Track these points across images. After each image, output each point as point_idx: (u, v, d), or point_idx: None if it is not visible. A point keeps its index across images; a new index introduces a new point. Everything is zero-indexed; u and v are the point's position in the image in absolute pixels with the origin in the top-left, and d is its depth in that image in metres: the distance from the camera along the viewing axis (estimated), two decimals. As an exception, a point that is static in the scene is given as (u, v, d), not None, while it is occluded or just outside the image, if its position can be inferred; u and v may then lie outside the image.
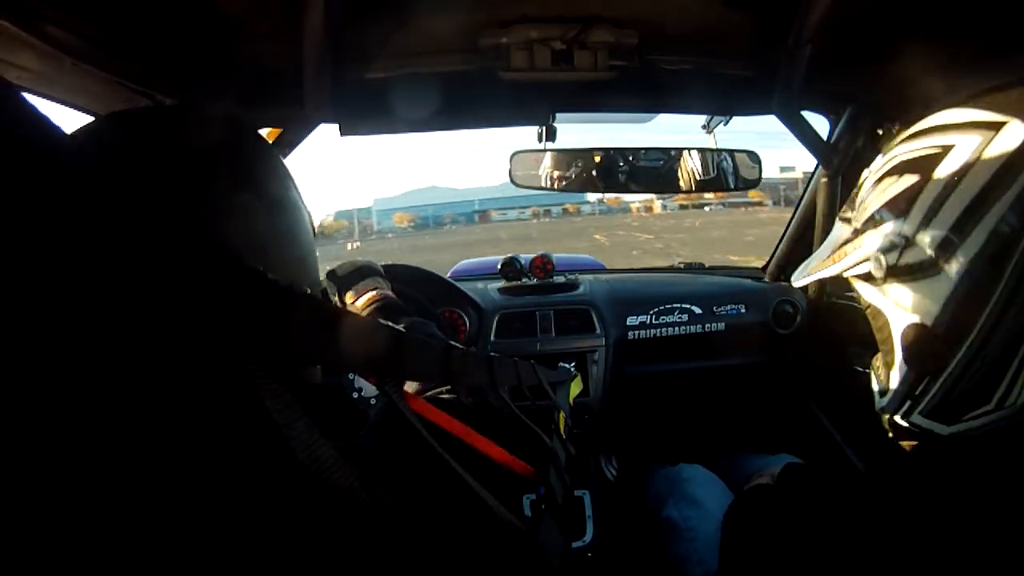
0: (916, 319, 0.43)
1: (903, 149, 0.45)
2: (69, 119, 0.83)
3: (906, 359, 0.45)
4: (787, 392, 1.58)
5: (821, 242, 1.34)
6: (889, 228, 0.43)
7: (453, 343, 0.40)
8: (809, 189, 1.43)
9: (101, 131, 0.38)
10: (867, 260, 0.46)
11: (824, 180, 1.30)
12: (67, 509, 0.22)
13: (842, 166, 1.26)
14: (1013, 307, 0.37)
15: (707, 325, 1.48)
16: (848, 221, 0.50)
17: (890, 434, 0.50)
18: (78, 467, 0.22)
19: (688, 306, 1.49)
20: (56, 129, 0.20)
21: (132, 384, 0.22)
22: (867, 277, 0.47)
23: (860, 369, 1.30)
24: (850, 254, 0.48)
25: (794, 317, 1.52)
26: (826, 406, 1.48)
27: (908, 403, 0.46)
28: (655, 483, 1.10)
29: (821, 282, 1.43)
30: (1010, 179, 0.37)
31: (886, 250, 0.43)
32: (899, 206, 0.43)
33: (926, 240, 0.41)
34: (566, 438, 0.65)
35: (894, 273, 0.43)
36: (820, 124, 1.23)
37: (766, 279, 1.67)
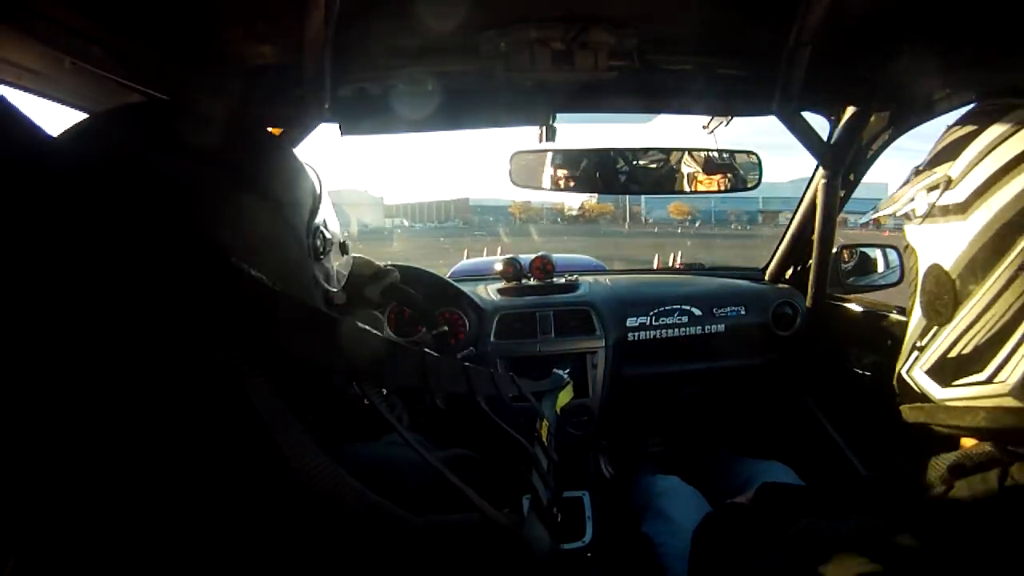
0: (937, 260, 0.43)
1: (983, 103, 0.45)
2: (69, 119, 0.83)
3: (921, 302, 0.45)
4: (787, 394, 1.58)
5: (821, 242, 1.35)
6: (939, 169, 0.44)
7: (428, 350, 0.41)
8: (809, 189, 1.43)
9: (97, 128, 0.38)
10: (915, 199, 0.47)
11: (824, 181, 1.30)
12: (58, 501, 0.22)
13: (842, 167, 1.26)
14: (1022, 276, 0.37)
15: (707, 326, 1.48)
16: (917, 168, 0.50)
17: (897, 392, 0.50)
18: (68, 459, 0.22)
19: (688, 307, 1.49)
20: (42, 131, 0.20)
21: (119, 379, 0.22)
22: (911, 216, 0.48)
23: (860, 371, 1.30)
24: (906, 193, 0.49)
25: (794, 319, 1.52)
26: (826, 408, 1.48)
27: (915, 354, 0.46)
28: (635, 494, 1.11)
29: (821, 283, 1.43)
30: None
31: (930, 188, 0.45)
32: (953, 150, 0.44)
33: (965, 184, 0.41)
34: (549, 445, 0.66)
35: (932, 213, 0.44)
36: (820, 124, 1.23)
37: (766, 280, 1.67)
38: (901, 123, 1.16)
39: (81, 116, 0.84)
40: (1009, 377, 0.38)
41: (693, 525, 0.80)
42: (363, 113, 1.11)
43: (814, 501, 0.55)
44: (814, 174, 1.39)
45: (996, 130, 0.41)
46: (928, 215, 0.45)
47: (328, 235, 0.51)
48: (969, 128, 0.43)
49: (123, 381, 0.22)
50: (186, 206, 0.34)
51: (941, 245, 0.43)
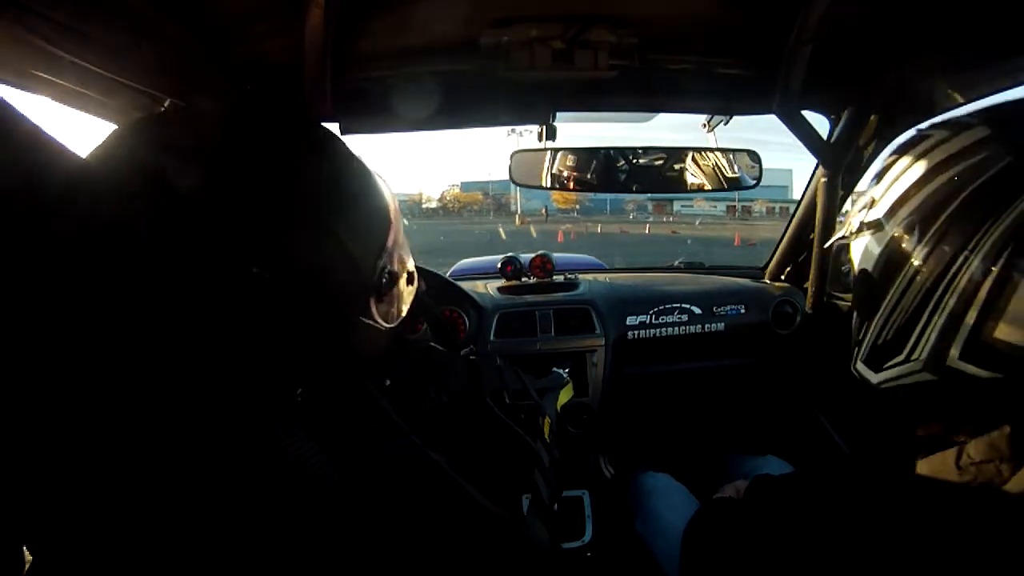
0: (864, 266, 0.51)
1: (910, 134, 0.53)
2: (69, 119, 0.83)
3: (855, 303, 0.53)
4: (786, 393, 1.58)
5: (821, 242, 1.35)
6: (868, 192, 0.53)
7: (434, 345, 0.41)
8: (809, 189, 1.43)
9: (124, 144, 0.37)
10: (853, 221, 0.55)
11: (824, 180, 1.30)
12: (74, 498, 0.23)
13: (842, 166, 1.26)
14: (925, 267, 0.44)
15: (707, 325, 1.49)
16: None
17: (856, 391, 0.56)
18: (84, 459, 0.22)
19: (688, 306, 1.49)
20: (70, 152, 0.20)
21: (135, 379, 0.23)
22: (850, 234, 0.56)
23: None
24: (851, 216, 0.57)
25: (794, 317, 1.52)
26: (825, 406, 1.48)
27: (856, 350, 0.54)
28: (630, 492, 1.12)
29: (821, 282, 1.43)
30: (943, 169, 0.45)
31: (860, 208, 0.54)
32: (878, 176, 0.52)
33: (882, 203, 0.50)
34: (551, 442, 0.66)
35: (861, 229, 0.52)
36: (820, 124, 1.23)
37: (766, 279, 1.68)
38: (901, 123, 1.16)
39: (81, 116, 0.84)
40: (921, 353, 0.44)
41: (683, 523, 0.80)
42: (363, 112, 1.11)
43: (804, 490, 0.56)
44: (814, 173, 1.39)
45: (907, 158, 0.49)
46: (859, 231, 0.53)
47: (395, 270, 0.45)
48: (892, 156, 0.51)
49: (135, 377, 0.22)
50: (206, 219, 0.33)
51: (866, 253, 0.51)
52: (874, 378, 0.51)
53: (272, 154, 0.38)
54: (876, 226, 0.50)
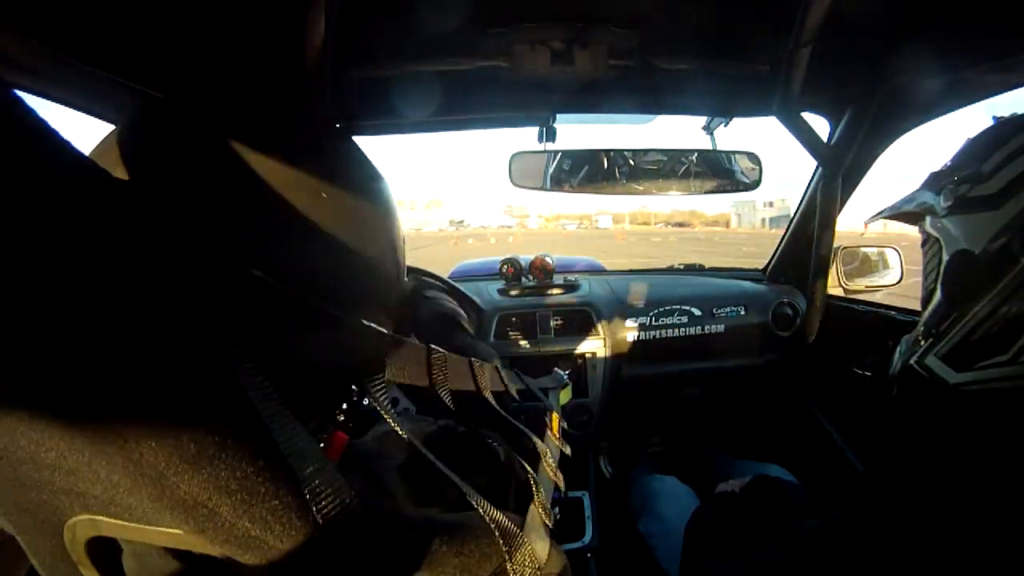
0: (966, 247, 0.45)
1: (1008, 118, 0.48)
2: (69, 119, 0.83)
3: (944, 284, 0.47)
4: (786, 394, 1.58)
5: (821, 244, 1.35)
6: (967, 166, 0.47)
7: (434, 347, 0.41)
8: (809, 191, 1.43)
9: (129, 140, 0.37)
10: (940, 195, 0.49)
11: (823, 182, 1.30)
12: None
13: (842, 168, 1.26)
14: None
15: (706, 327, 1.48)
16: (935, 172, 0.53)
17: (900, 386, 0.50)
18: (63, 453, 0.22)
19: (688, 308, 1.49)
20: (73, 149, 0.20)
21: (125, 376, 0.22)
22: (931, 210, 0.50)
23: (859, 371, 1.30)
24: (927, 192, 0.51)
25: (793, 319, 1.52)
26: (825, 408, 1.48)
27: (930, 341, 0.47)
28: (632, 494, 1.12)
29: (821, 283, 1.43)
30: None
31: (959, 183, 0.47)
32: (982, 151, 0.46)
33: (997, 179, 0.43)
34: (561, 437, 0.66)
35: (959, 205, 0.46)
36: (820, 125, 1.24)
37: (766, 281, 1.68)
38: (901, 123, 1.16)
39: (81, 116, 0.84)
40: None
41: (686, 524, 0.80)
42: (364, 113, 1.11)
43: (804, 496, 0.55)
44: (814, 174, 1.39)
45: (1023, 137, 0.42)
46: (955, 207, 0.47)
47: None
48: (998, 135, 0.45)
49: (131, 377, 0.22)
50: (197, 213, 0.33)
51: (969, 233, 0.45)
52: (953, 377, 0.44)
53: (295, 155, 0.38)
54: (987, 203, 0.44)
